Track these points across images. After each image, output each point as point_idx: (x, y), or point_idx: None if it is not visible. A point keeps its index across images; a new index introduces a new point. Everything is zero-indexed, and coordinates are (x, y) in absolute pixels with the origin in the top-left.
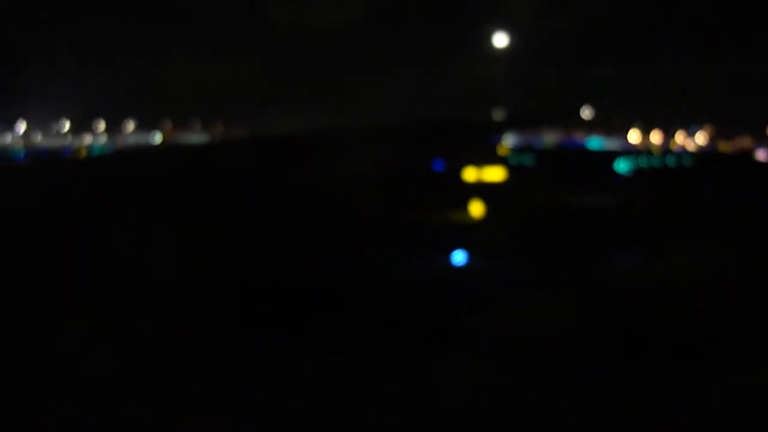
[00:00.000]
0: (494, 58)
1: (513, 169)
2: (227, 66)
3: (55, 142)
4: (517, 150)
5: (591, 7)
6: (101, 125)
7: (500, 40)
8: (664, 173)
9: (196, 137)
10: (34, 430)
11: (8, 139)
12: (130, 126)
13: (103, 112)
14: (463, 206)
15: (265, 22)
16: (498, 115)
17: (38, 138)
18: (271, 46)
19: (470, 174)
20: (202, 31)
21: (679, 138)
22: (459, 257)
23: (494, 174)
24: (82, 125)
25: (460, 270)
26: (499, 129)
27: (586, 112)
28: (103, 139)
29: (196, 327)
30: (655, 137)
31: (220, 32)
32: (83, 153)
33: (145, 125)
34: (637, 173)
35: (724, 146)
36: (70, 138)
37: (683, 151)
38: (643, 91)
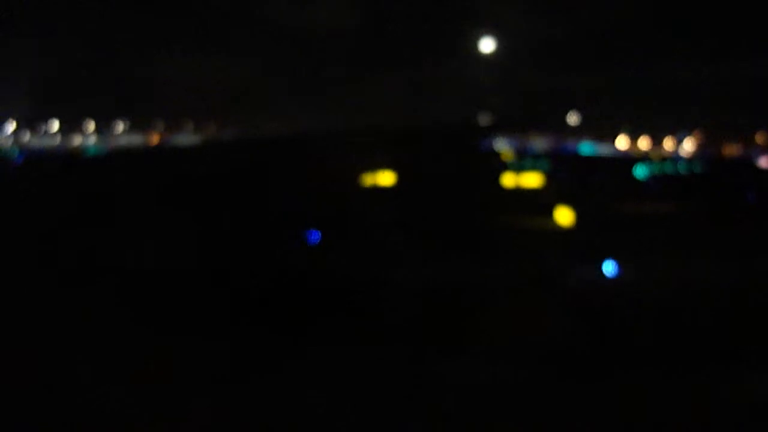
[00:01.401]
0: (481, 63)
1: (546, 176)
2: (220, 67)
3: (44, 142)
4: (523, 155)
5: (579, 12)
6: (91, 125)
7: (487, 44)
8: (689, 180)
9: (188, 138)
10: (36, 429)
11: None
12: (120, 126)
13: (92, 112)
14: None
15: (258, 23)
16: (486, 119)
17: (27, 138)
18: (264, 47)
19: (508, 180)
20: (195, 31)
21: (668, 144)
22: (609, 267)
23: (531, 180)
24: (71, 125)
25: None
26: (490, 133)
27: (573, 118)
28: (93, 140)
29: (206, 328)
30: (644, 143)
31: (213, 32)
32: (78, 153)
33: (135, 126)
34: (657, 180)
35: (718, 152)
36: (59, 138)
37: (687, 158)
38: (630, 97)
